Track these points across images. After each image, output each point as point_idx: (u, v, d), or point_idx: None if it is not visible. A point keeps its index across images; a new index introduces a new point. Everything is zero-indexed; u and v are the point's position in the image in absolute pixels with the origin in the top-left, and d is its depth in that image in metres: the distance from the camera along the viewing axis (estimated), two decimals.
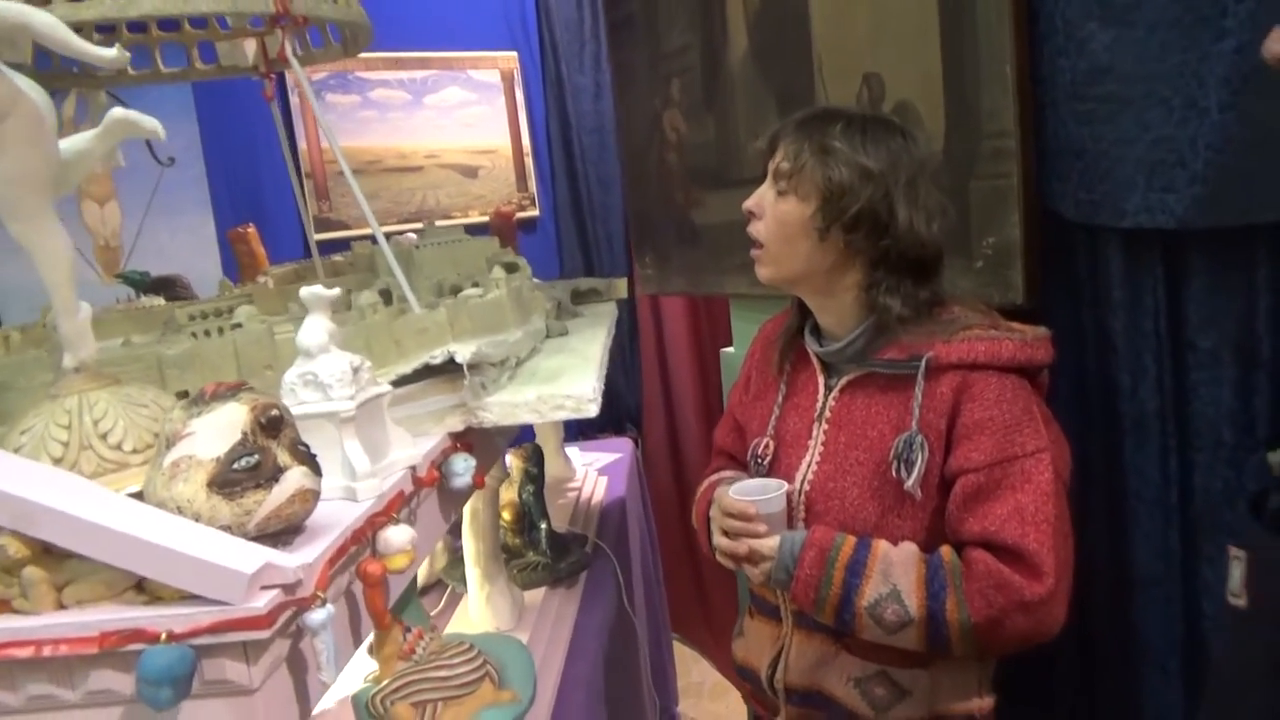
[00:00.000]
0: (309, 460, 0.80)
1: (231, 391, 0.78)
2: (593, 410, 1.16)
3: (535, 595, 1.80)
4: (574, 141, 3.37)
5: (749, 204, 1.30)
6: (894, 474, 1.18)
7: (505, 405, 1.17)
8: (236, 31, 1.87)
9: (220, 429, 0.75)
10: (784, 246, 1.25)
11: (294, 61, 1.50)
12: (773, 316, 1.50)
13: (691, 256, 2.34)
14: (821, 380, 1.33)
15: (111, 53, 0.85)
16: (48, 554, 0.69)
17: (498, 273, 1.47)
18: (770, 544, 1.24)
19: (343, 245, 3.05)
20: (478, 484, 1.18)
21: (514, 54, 3.35)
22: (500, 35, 3.34)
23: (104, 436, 0.89)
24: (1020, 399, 1.16)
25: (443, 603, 1.87)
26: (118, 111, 0.96)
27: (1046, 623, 1.10)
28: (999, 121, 1.47)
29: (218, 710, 0.68)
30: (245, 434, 0.76)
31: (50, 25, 0.82)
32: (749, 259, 2.08)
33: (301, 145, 3.08)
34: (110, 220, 2.84)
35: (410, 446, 1.05)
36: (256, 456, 0.75)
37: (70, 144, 0.94)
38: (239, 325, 1.19)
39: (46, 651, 0.67)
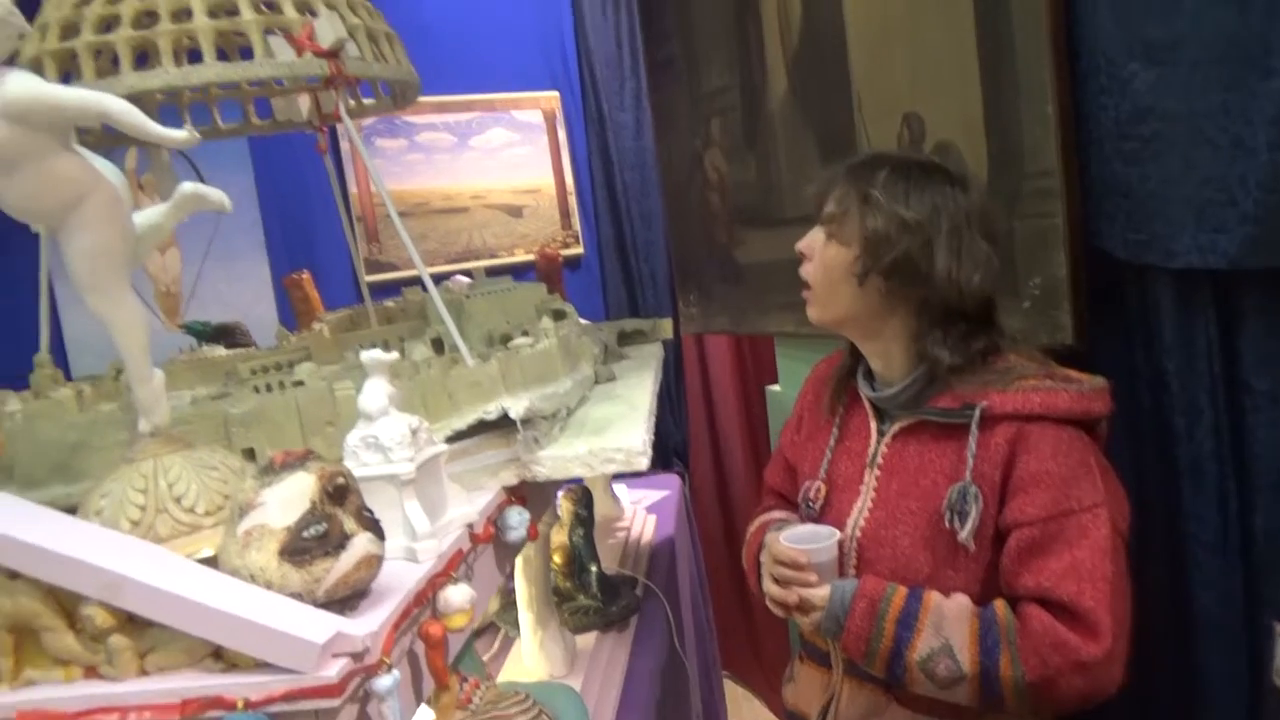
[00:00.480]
0: (373, 525, 0.83)
1: (300, 461, 0.81)
2: (643, 463, 1.17)
3: (587, 639, 1.82)
4: (616, 178, 3.41)
5: (801, 245, 1.32)
6: (947, 525, 1.18)
7: (557, 459, 1.19)
8: (291, 88, 1.93)
9: (290, 498, 0.78)
10: (830, 290, 1.27)
11: (348, 121, 1.55)
12: (826, 356, 1.51)
13: (735, 295, 2.35)
14: (874, 425, 1.34)
15: (182, 134, 0.90)
16: (131, 622, 0.72)
17: (546, 323, 1.50)
18: (821, 594, 1.24)
19: (394, 287, 3.13)
20: (531, 536, 1.20)
21: (555, 93, 3.42)
22: (541, 75, 3.41)
23: (178, 500, 0.93)
24: (1077, 451, 1.15)
25: (496, 646, 1.89)
26: (188, 186, 1.00)
27: (1103, 682, 1.08)
28: (1042, 160, 1.47)
29: None
30: (314, 503, 0.79)
31: (125, 111, 0.86)
32: (793, 298, 2.08)
33: (352, 189, 3.16)
34: (171, 267, 2.94)
35: (466, 503, 1.08)
36: (324, 524, 0.78)
37: (143, 218, 0.99)
38: (300, 383, 1.23)
39: (132, 717, 0.70)
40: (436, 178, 3.26)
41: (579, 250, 3.47)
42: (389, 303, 2.22)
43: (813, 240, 1.31)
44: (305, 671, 0.69)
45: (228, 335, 2.20)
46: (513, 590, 1.75)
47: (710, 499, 3.47)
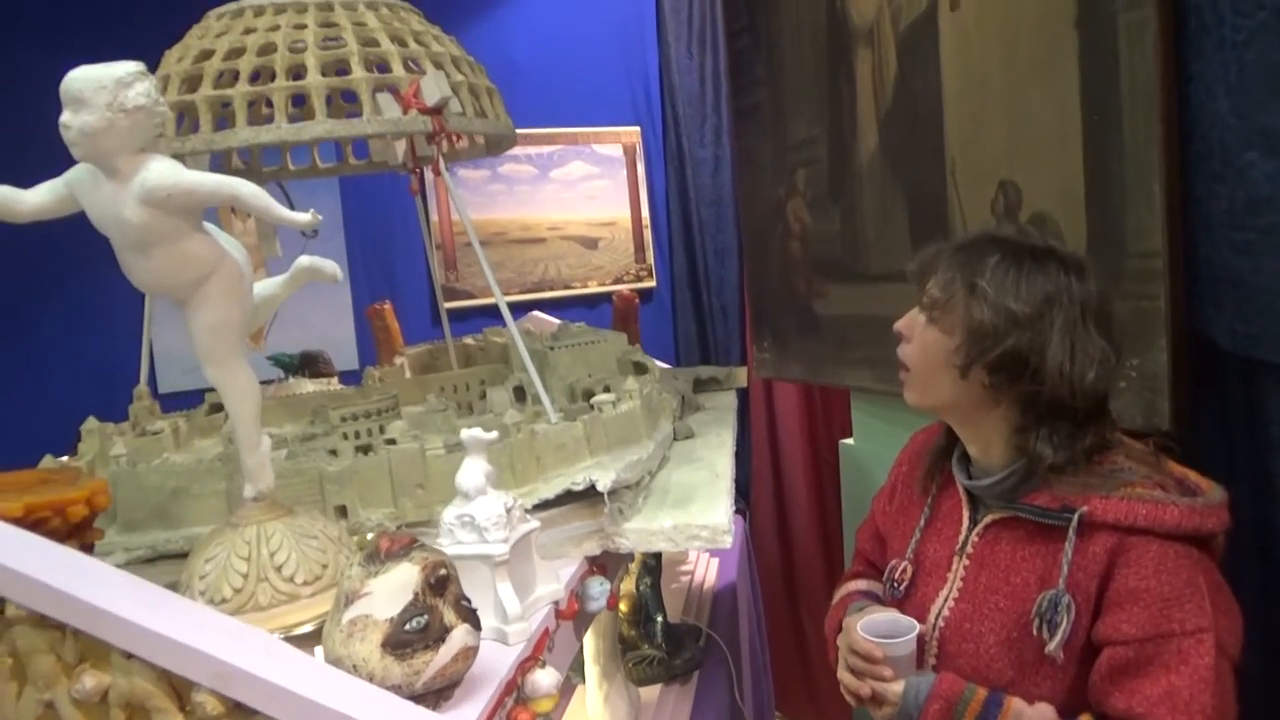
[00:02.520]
0: (470, 616, 0.84)
1: (404, 550, 0.82)
2: (727, 541, 1.17)
3: (650, 691, 1.82)
4: (692, 214, 3.42)
5: (900, 326, 1.26)
6: (1035, 633, 1.13)
7: (641, 533, 1.20)
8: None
9: (394, 590, 0.80)
10: (929, 375, 1.22)
11: (447, 178, 1.59)
12: (925, 426, 1.46)
13: (811, 346, 2.34)
14: (967, 512, 1.29)
15: (305, 217, 0.93)
16: (239, 709, 0.74)
17: (631, 383, 1.50)
18: (895, 689, 1.20)
19: (469, 314, 3.18)
20: (610, 606, 1.21)
21: (636, 128, 3.44)
22: (624, 111, 3.44)
23: (279, 569, 0.95)
24: (1184, 571, 1.07)
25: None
26: (304, 260, 1.03)
27: None
28: (1146, 241, 1.43)
29: None
30: (416, 594, 0.80)
31: (255, 195, 0.89)
32: (872, 353, 2.05)
33: (433, 217, 3.22)
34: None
35: (553, 578, 1.08)
36: (426, 617, 0.79)
37: (261, 289, 1.02)
38: (392, 441, 1.25)
39: None
40: (516, 208, 3.30)
41: (651, 283, 3.49)
42: (469, 339, 2.25)
43: (912, 322, 1.25)
44: None
45: (311, 364, 2.26)
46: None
47: (771, 540, 3.44)
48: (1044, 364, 1.12)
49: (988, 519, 1.24)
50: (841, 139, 2.18)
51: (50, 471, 1.18)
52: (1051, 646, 1.09)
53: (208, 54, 1.51)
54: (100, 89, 0.85)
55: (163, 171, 0.87)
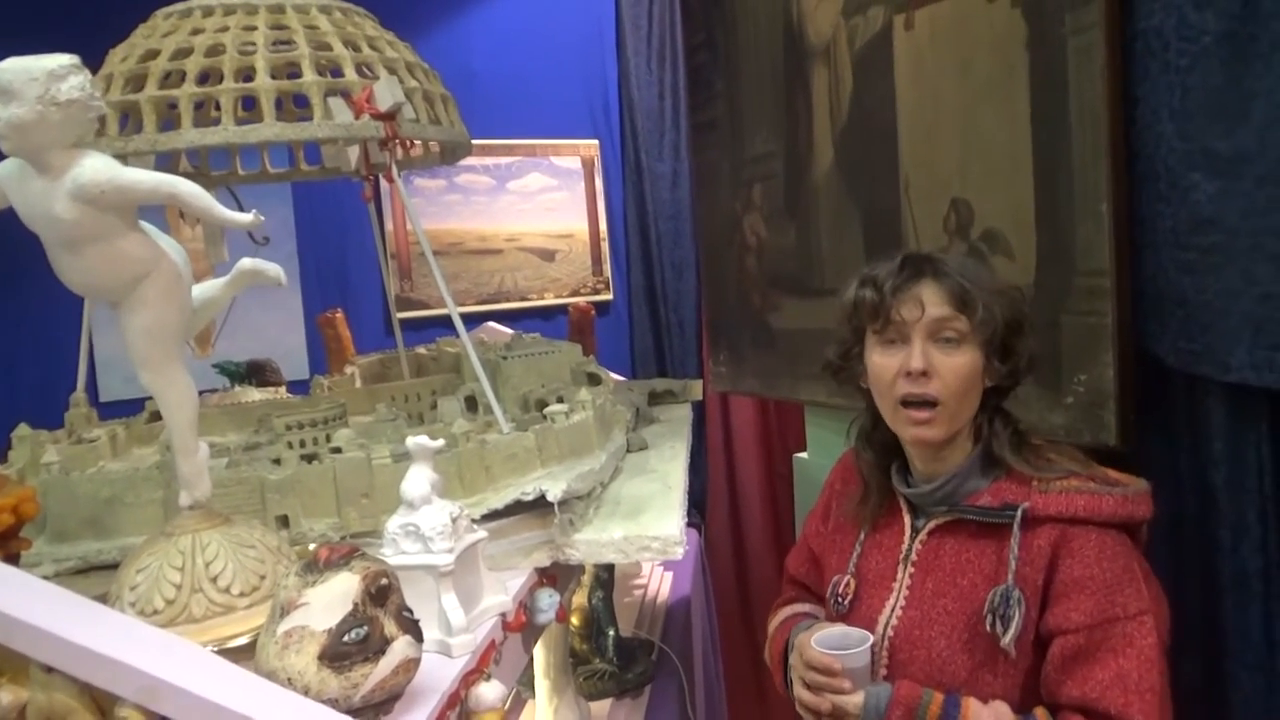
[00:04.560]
0: (412, 627, 0.82)
1: (344, 559, 0.80)
2: (679, 553, 1.16)
3: (601, 706, 1.79)
4: (651, 227, 3.42)
5: (919, 366, 1.17)
6: (988, 629, 1.15)
7: (591, 544, 1.18)
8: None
9: (332, 600, 0.77)
10: (963, 401, 1.19)
11: (399, 184, 1.57)
12: (846, 452, 1.48)
13: (766, 359, 2.34)
14: (908, 520, 1.30)
15: (247, 218, 0.90)
16: None
17: (584, 393, 1.49)
18: (855, 700, 1.20)
19: (423, 324, 3.14)
20: (559, 618, 1.19)
21: (595, 141, 3.44)
22: (583, 123, 3.43)
23: (214, 579, 0.92)
24: (1121, 557, 1.13)
25: (507, 705, 1.86)
26: (246, 263, 1.01)
27: None
28: (1093, 259, 1.46)
29: None
30: (356, 605, 0.78)
31: (195, 195, 0.87)
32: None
33: (388, 226, 3.18)
34: None
35: (500, 589, 1.06)
36: (366, 628, 0.77)
37: (200, 291, 0.99)
38: (338, 449, 1.22)
39: None
40: (473, 219, 3.28)
41: (608, 296, 3.48)
42: (421, 349, 2.22)
43: (928, 356, 1.18)
44: None
45: (258, 373, 2.21)
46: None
47: (726, 552, 3.44)
48: (1026, 340, 1.20)
49: (930, 525, 1.26)
50: (798, 155, 2.19)
51: None
52: (1006, 640, 1.12)
53: (153, 54, 1.47)
54: (31, 80, 0.82)
55: (96, 168, 0.84)
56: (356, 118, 1.48)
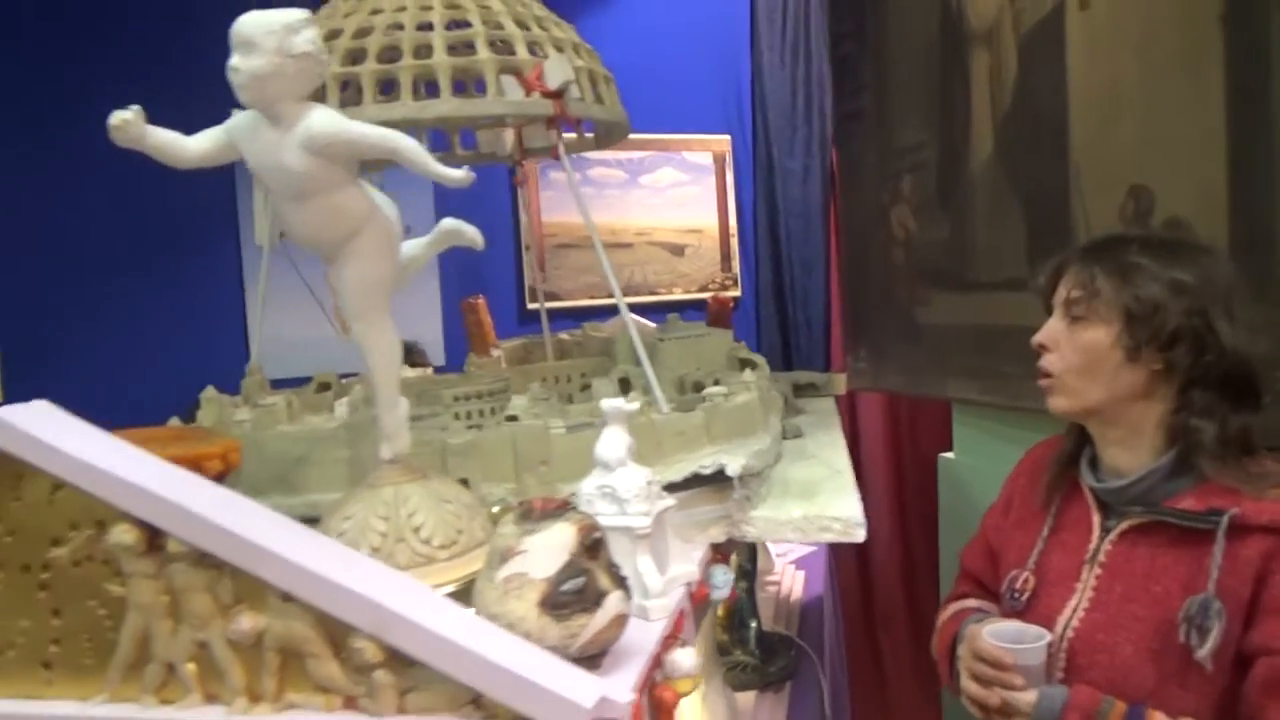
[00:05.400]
0: (623, 583, 0.81)
1: (559, 510, 0.80)
2: (861, 535, 1.12)
3: (745, 698, 1.76)
4: (780, 224, 3.38)
5: (1040, 339, 1.23)
6: (1182, 639, 1.08)
7: (769, 522, 1.16)
8: (497, 122, 1.98)
9: (550, 548, 0.77)
10: (1084, 377, 1.18)
11: (564, 158, 1.58)
12: (1045, 440, 1.42)
13: (912, 355, 2.27)
14: (1097, 520, 1.24)
15: (460, 174, 0.92)
16: (396, 660, 0.72)
17: (748, 375, 1.47)
18: (1027, 699, 1.15)
19: (555, 316, 3.18)
20: (732, 596, 1.17)
21: (727, 137, 3.43)
22: (715, 119, 3.42)
23: (416, 530, 0.94)
24: None
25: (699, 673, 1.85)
26: (449, 222, 1.02)
27: None
28: None
29: None
30: (572, 555, 0.78)
31: (413, 149, 0.89)
32: (978, 363, 1.99)
33: (523, 219, 3.23)
34: None
35: (686, 559, 1.05)
36: (583, 579, 0.77)
37: (406, 249, 1.02)
38: (514, 418, 1.23)
39: None
40: (605, 212, 3.30)
41: (736, 292, 3.46)
42: (564, 334, 2.24)
43: (1054, 331, 1.23)
44: None
45: (408, 354, 2.26)
46: None
47: (848, 553, 3.36)
48: (1215, 333, 1.09)
49: (1123, 526, 1.19)
50: (953, 144, 2.12)
51: (182, 429, 1.19)
52: (1202, 653, 1.04)
53: (335, 33, 1.53)
54: (270, 33, 0.85)
55: (326, 120, 0.87)
56: (527, 95, 1.50)
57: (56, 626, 0.79)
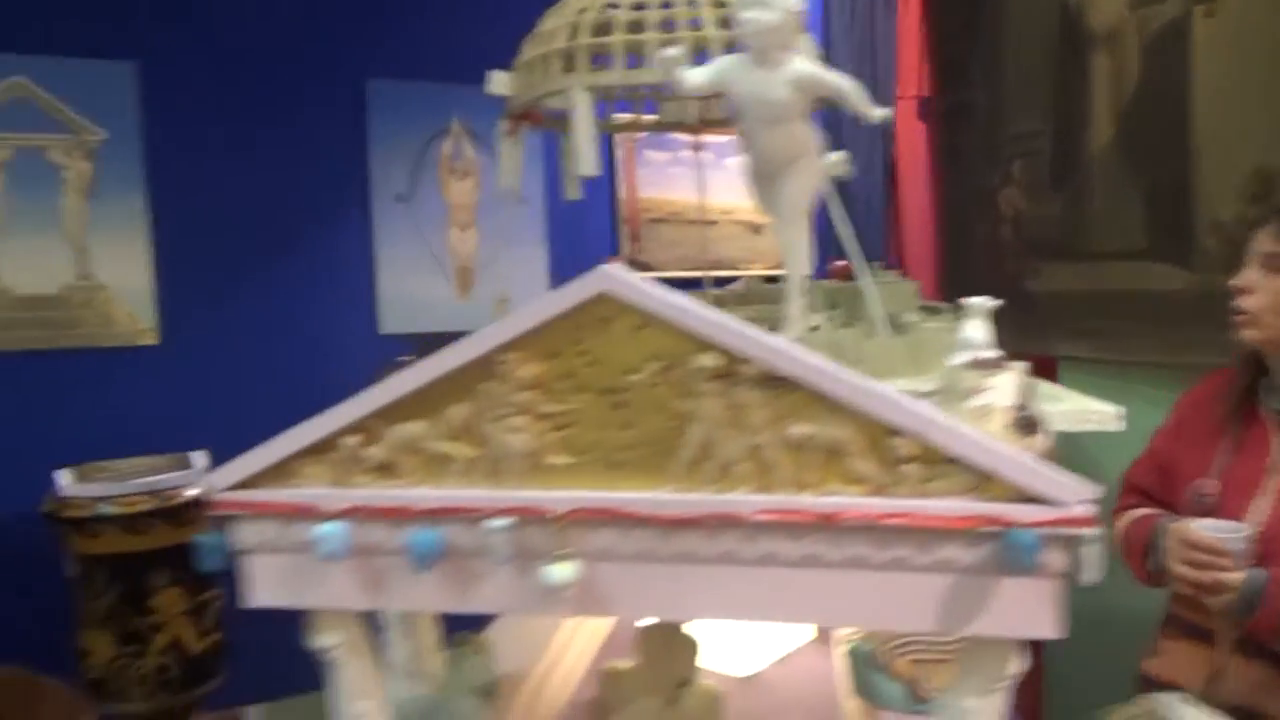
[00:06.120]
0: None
1: (999, 363, 1.06)
2: (1121, 425, 1.39)
3: None
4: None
5: (1239, 283, 1.54)
6: None
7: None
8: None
9: (1008, 387, 1.03)
10: (1276, 314, 1.49)
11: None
12: (1210, 374, 1.70)
13: (1019, 319, 2.57)
14: (1276, 440, 1.53)
15: (883, 112, 1.17)
16: (922, 454, 0.97)
17: (947, 314, 1.73)
18: (1236, 578, 1.42)
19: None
20: None
21: None
22: None
23: None
24: None
25: None
26: (834, 155, 1.27)
27: None
28: None
29: (1039, 586, 0.94)
30: (1020, 391, 1.03)
31: (854, 90, 1.14)
32: (1090, 326, 2.25)
33: (621, 194, 3.47)
34: (469, 244, 3.26)
35: None
36: (1028, 410, 1.03)
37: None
38: (816, 327, 1.48)
39: (916, 524, 0.95)
40: (694, 190, 3.55)
41: None
42: (717, 291, 2.47)
43: (1251, 277, 1.52)
44: (1068, 506, 0.92)
45: None
46: None
47: None
48: None
49: None
50: (1069, 131, 2.44)
51: None
52: None
53: (584, 9, 1.74)
54: None
55: (806, 64, 1.11)
56: None
57: (628, 435, 1.01)
